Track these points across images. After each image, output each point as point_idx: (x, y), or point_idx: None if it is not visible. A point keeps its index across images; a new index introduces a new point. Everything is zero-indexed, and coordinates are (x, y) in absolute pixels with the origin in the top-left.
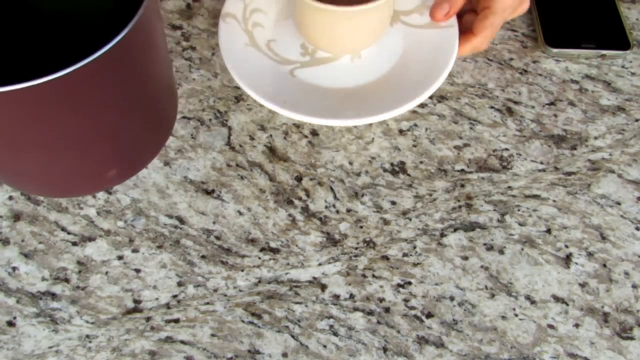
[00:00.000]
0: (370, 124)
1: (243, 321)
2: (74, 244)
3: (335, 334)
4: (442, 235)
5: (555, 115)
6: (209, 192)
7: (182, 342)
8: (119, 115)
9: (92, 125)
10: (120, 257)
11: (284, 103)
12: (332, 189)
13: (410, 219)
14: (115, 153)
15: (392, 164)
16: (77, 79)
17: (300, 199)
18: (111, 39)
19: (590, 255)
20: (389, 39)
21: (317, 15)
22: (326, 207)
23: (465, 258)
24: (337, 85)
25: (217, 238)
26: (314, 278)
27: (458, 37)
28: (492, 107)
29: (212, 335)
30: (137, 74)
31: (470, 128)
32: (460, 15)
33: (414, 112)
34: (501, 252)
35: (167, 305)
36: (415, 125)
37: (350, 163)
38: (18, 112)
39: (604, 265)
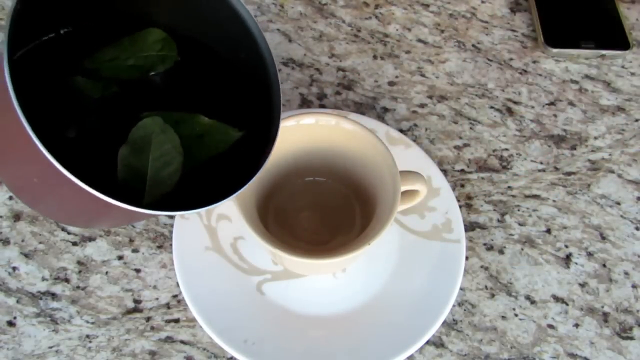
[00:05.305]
0: None
1: None
2: (74, 244)
3: None
4: None
5: (555, 115)
6: None
7: (182, 342)
8: None
9: None
10: (120, 257)
11: (244, 343)
12: None
13: None
14: None
15: None
16: None
17: None
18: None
19: (590, 255)
20: (382, 243)
21: (297, 262)
22: None
23: (465, 258)
24: (313, 312)
25: None
26: None
27: (465, 255)
28: (492, 107)
29: None
30: None
31: (470, 128)
32: None
33: (413, 112)
34: (501, 252)
35: (167, 305)
36: (415, 125)
37: None
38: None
39: (604, 265)
